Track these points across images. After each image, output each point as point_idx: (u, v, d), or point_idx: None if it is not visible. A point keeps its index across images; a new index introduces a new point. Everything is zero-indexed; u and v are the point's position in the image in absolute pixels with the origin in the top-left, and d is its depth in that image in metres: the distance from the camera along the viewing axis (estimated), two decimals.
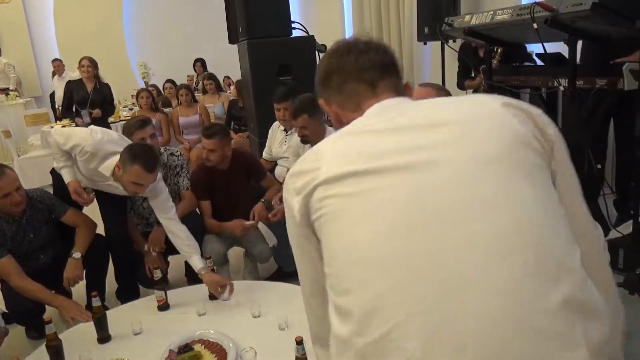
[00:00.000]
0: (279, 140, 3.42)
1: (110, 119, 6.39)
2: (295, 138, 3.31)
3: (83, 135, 2.48)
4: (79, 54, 5.72)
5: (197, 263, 2.35)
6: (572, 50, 2.25)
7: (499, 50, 3.14)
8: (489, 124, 0.86)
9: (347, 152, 0.89)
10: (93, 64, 5.04)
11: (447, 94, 2.07)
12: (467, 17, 2.67)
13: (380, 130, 0.90)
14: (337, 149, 0.91)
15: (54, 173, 3.07)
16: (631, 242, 2.40)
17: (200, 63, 7.78)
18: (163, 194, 2.52)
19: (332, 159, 0.89)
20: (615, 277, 1.36)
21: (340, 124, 1.04)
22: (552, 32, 2.16)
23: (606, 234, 2.41)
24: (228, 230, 2.92)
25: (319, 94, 1.08)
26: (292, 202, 0.93)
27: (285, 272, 3.09)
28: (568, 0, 2.02)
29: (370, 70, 1.00)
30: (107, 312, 2.07)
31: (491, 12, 2.47)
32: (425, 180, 0.82)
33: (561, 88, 2.31)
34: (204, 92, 6.06)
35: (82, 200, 2.61)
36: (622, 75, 2.08)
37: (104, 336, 1.94)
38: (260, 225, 2.92)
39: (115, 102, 5.82)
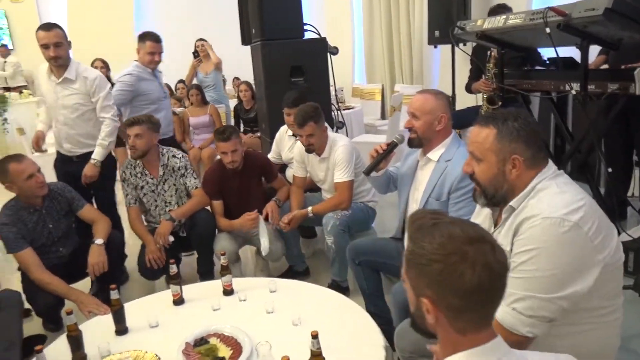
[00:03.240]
0: (288, 146, 3.46)
1: None
2: (301, 145, 3.36)
3: None
4: (91, 54, 5.79)
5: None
6: (584, 55, 2.28)
7: (492, 53, 3.16)
8: None
9: None
10: (105, 65, 5.04)
11: (446, 98, 2.10)
12: (480, 21, 2.70)
13: None
14: None
15: (59, 169, 3.19)
16: None
17: None
18: (102, 92, 3.01)
19: None
20: (625, 280, 1.40)
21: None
22: (564, 36, 2.19)
23: None
24: (238, 227, 2.97)
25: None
26: None
27: (296, 271, 3.14)
28: (581, 5, 2.05)
29: None
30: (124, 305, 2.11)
31: (504, 17, 2.50)
32: None
33: (573, 92, 2.33)
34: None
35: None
36: (634, 80, 2.11)
37: (121, 328, 1.98)
38: (261, 228, 2.94)
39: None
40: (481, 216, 1.55)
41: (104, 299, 2.24)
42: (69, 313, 1.81)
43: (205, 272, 3.04)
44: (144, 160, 2.96)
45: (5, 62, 8.84)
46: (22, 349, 2.19)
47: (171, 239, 2.88)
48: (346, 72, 7.60)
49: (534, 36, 2.53)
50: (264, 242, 2.89)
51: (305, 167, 3.10)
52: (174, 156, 3.03)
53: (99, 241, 2.63)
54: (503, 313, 1.27)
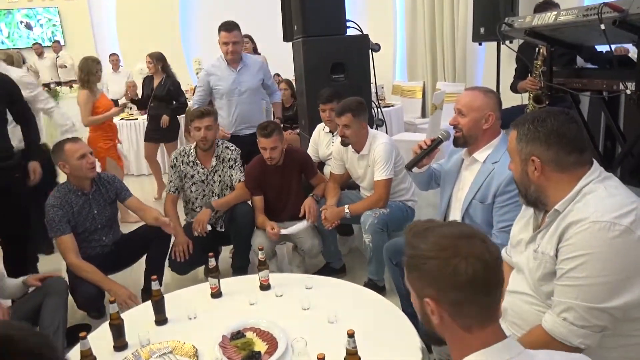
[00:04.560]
0: (325, 142, 3.46)
1: None
2: (339, 140, 3.34)
3: None
4: (138, 50, 5.95)
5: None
6: None
7: (541, 50, 3.04)
8: None
9: None
10: (154, 59, 5.06)
11: (496, 96, 2.03)
12: (529, 18, 2.61)
13: None
14: None
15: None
16: None
17: None
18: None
19: None
20: None
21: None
22: (619, 33, 2.09)
23: None
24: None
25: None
26: None
27: (332, 268, 3.13)
28: (638, 0, 1.95)
29: None
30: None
31: (555, 13, 2.40)
32: None
33: (627, 92, 2.22)
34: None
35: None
36: None
37: (161, 319, 2.03)
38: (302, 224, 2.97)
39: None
40: (524, 219, 1.51)
41: None
42: (112, 302, 1.87)
43: (240, 268, 3.05)
44: (198, 150, 3.02)
45: (57, 57, 9.20)
46: (67, 337, 2.28)
47: (209, 227, 2.93)
48: (387, 69, 7.53)
49: (587, 33, 2.42)
50: (300, 226, 2.94)
51: (344, 164, 3.08)
52: (227, 148, 3.10)
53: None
54: (552, 323, 1.23)
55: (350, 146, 2.96)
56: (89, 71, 4.13)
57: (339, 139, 3.19)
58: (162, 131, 5.02)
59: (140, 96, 5.47)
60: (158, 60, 5.04)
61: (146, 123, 5.35)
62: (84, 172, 2.62)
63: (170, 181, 3.08)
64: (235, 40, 3.52)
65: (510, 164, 1.45)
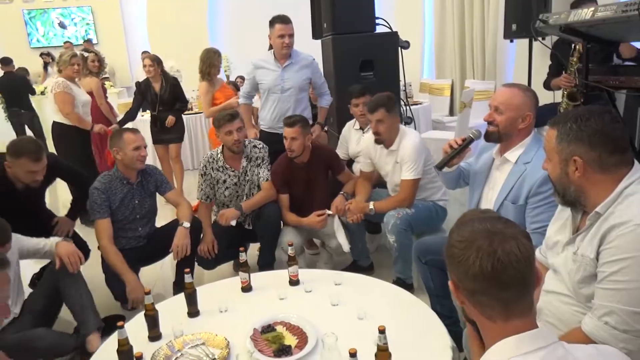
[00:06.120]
0: (355, 139, 3.45)
1: (195, 110, 6.71)
2: (369, 137, 3.33)
3: None
4: (168, 47, 6.03)
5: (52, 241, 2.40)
6: None
7: (577, 47, 2.98)
8: None
9: None
10: (155, 62, 4.64)
11: (534, 96, 1.99)
12: (564, 14, 2.55)
13: None
14: None
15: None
16: None
17: None
18: (24, 242, 2.37)
19: None
20: None
21: None
22: None
23: None
24: (306, 225, 3.01)
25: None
26: None
27: (360, 266, 3.13)
28: None
29: None
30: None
31: (592, 9, 2.34)
32: None
33: None
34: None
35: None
36: None
37: (193, 311, 2.07)
38: (336, 226, 2.97)
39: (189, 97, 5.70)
40: (561, 220, 1.48)
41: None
42: (147, 293, 1.92)
43: (266, 265, 3.06)
44: (226, 154, 3.02)
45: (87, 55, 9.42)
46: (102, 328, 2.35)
47: (233, 223, 2.95)
48: (414, 67, 7.47)
49: (626, 29, 2.36)
50: (342, 240, 2.92)
51: (372, 162, 3.08)
52: (254, 146, 3.10)
53: (186, 224, 2.78)
54: (593, 326, 1.21)
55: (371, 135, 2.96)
56: (211, 63, 4.17)
57: (366, 136, 3.20)
58: (169, 132, 4.77)
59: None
60: (159, 63, 4.69)
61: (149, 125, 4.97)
62: (134, 163, 2.73)
63: (201, 189, 3.06)
64: (291, 33, 3.41)
65: (546, 163, 1.42)
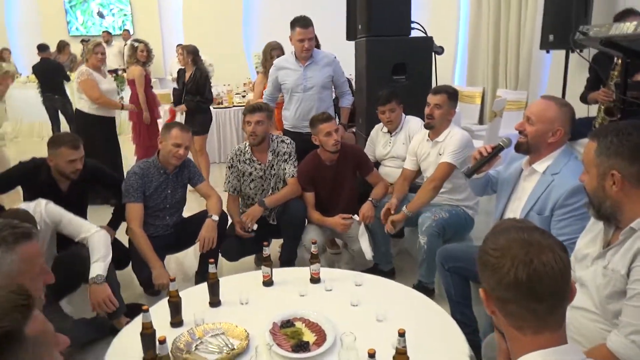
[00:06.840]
0: (382, 142, 3.44)
1: (225, 104, 6.79)
2: (399, 140, 3.32)
3: None
4: (203, 41, 6.11)
5: (96, 269, 2.27)
6: None
7: (619, 61, 2.91)
8: None
9: None
10: (186, 51, 4.85)
11: (570, 111, 1.95)
12: (605, 27, 2.51)
13: None
14: None
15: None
16: None
17: None
18: (64, 219, 2.40)
19: None
20: None
21: None
22: None
23: None
24: (330, 226, 3.01)
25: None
26: None
27: (381, 270, 3.11)
28: None
29: None
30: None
31: (635, 23, 2.30)
32: None
33: None
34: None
35: None
36: None
37: (215, 300, 2.11)
38: (361, 232, 2.97)
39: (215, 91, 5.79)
40: (592, 233, 1.46)
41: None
42: (172, 280, 1.96)
43: (287, 261, 3.08)
44: (254, 147, 3.05)
45: (125, 45, 9.63)
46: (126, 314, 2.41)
47: (255, 227, 2.98)
48: (446, 73, 7.39)
49: None
50: (365, 247, 2.91)
51: (417, 160, 3.06)
52: (282, 141, 3.12)
53: (215, 217, 2.83)
54: (619, 344, 1.19)
55: (427, 134, 2.95)
56: (266, 57, 4.26)
57: (400, 140, 3.19)
58: (192, 124, 4.70)
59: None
60: (189, 52, 4.86)
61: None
62: (169, 157, 2.80)
63: (228, 181, 3.10)
64: (311, 37, 3.44)
65: (583, 175, 1.41)
